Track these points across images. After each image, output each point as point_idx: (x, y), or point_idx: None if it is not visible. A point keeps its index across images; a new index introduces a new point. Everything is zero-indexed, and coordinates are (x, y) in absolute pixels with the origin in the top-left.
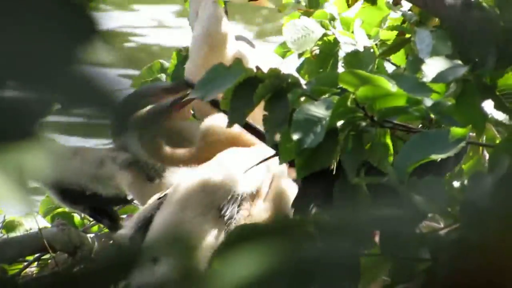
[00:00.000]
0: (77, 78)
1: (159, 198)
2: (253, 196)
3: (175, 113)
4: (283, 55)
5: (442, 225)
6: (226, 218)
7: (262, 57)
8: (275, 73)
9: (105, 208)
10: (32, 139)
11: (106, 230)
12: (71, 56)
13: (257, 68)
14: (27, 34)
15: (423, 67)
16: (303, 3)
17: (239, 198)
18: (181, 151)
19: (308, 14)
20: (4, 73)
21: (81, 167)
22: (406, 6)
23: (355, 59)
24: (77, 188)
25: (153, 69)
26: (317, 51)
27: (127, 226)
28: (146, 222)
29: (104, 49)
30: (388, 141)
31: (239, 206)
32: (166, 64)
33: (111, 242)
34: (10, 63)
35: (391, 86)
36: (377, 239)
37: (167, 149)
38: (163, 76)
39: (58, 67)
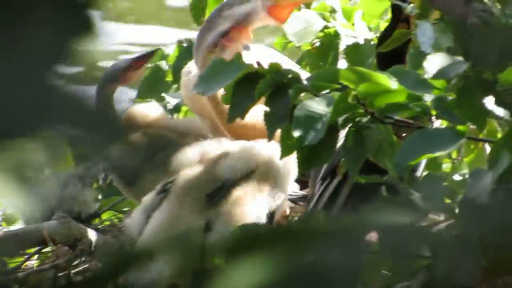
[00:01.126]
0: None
1: (161, 190)
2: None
3: (138, 68)
4: (284, 47)
5: (442, 218)
6: (210, 200)
7: (260, 52)
8: (275, 69)
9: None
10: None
11: (107, 222)
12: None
13: (258, 63)
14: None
15: (425, 63)
16: None
17: (227, 182)
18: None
19: (307, 5)
20: None
21: (47, 192)
22: None
23: (355, 51)
24: (47, 213)
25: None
26: (318, 44)
27: (132, 219)
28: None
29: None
30: (392, 138)
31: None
32: (166, 51)
33: (111, 237)
34: None
35: (392, 83)
36: (375, 236)
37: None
38: (163, 63)
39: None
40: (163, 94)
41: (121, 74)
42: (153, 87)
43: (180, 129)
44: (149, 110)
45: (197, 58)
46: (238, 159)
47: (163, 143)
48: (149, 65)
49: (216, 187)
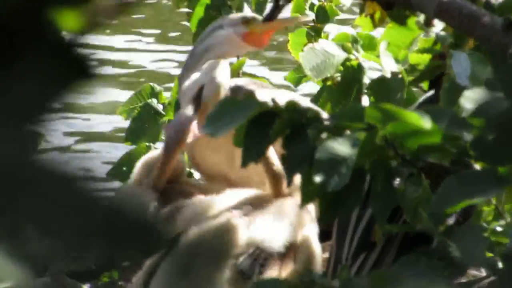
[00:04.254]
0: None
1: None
2: (281, 257)
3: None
4: (297, 82)
5: (484, 274)
6: (244, 274)
7: (271, 90)
8: (293, 106)
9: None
10: None
11: (105, 279)
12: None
13: (273, 101)
14: None
15: (461, 100)
16: (310, 17)
17: (263, 254)
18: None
19: (316, 30)
20: None
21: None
22: (438, 26)
23: (381, 86)
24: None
25: (143, 94)
26: (339, 78)
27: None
28: (152, 272)
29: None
30: (430, 195)
31: (262, 265)
32: (157, 87)
33: None
34: None
35: (425, 122)
36: None
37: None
38: (154, 101)
39: None
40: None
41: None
42: (143, 130)
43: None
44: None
45: (182, 102)
46: (279, 226)
47: (174, 194)
48: (138, 103)
49: (248, 256)
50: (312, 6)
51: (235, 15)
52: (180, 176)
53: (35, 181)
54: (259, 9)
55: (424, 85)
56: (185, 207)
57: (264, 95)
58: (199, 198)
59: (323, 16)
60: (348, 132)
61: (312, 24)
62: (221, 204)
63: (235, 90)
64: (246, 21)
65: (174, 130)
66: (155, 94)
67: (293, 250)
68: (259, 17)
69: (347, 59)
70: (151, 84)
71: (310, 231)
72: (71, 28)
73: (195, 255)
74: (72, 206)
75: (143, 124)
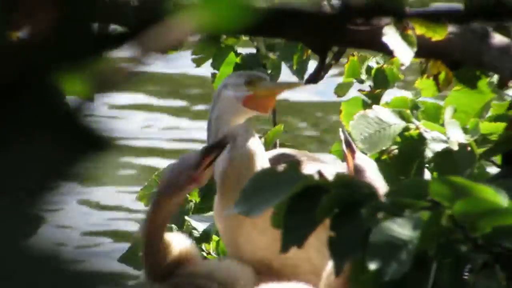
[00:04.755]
0: None
1: None
2: None
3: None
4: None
5: None
6: None
7: (322, 164)
8: (344, 181)
9: None
10: None
11: None
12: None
13: (320, 173)
14: None
15: None
16: (367, 82)
17: None
18: None
19: (373, 97)
20: None
21: None
22: None
23: (447, 160)
24: None
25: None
26: (396, 151)
27: None
28: None
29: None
30: (501, 277)
31: None
32: None
33: None
34: None
35: (502, 199)
36: None
37: None
38: None
39: None
40: (186, 217)
41: (187, 178)
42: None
43: (215, 276)
44: (176, 244)
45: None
46: None
47: None
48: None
49: None
50: (369, 69)
51: (239, 74)
52: (193, 263)
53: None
54: (300, 69)
55: (498, 159)
56: None
57: (311, 167)
58: None
59: (382, 81)
60: (408, 211)
61: (369, 89)
62: None
63: (278, 159)
64: (250, 81)
65: (171, 174)
66: None
67: None
68: (266, 77)
69: (406, 129)
70: None
71: None
72: (78, 93)
73: None
74: None
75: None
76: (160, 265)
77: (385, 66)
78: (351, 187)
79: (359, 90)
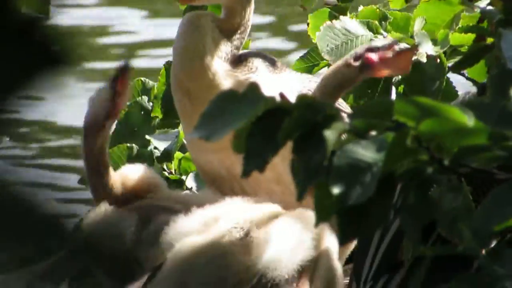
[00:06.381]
0: None
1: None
2: (293, 281)
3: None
4: (308, 72)
5: None
6: None
7: (282, 81)
8: (307, 102)
9: None
10: None
11: None
12: None
13: (281, 95)
14: None
15: None
16: None
17: (269, 284)
18: None
19: (339, 10)
20: None
21: None
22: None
23: (415, 74)
24: None
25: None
26: None
27: None
28: None
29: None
30: (472, 204)
31: None
32: (150, 83)
33: None
34: None
35: (468, 118)
36: None
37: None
38: (145, 99)
39: None
40: (147, 136)
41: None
42: (131, 133)
43: (181, 200)
44: (137, 175)
45: None
46: (290, 245)
47: (156, 211)
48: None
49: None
50: None
51: None
52: (155, 191)
53: None
54: None
55: (468, 72)
56: (172, 224)
57: (271, 82)
58: (192, 210)
59: None
60: (373, 132)
61: (335, 3)
62: (216, 218)
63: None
64: None
65: (90, 109)
66: (146, 90)
67: (309, 269)
68: None
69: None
70: (142, 79)
71: (331, 244)
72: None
73: (185, 285)
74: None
75: (131, 127)
76: (112, 195)
77: None
78: (313, 108)
79: (325, 4)
